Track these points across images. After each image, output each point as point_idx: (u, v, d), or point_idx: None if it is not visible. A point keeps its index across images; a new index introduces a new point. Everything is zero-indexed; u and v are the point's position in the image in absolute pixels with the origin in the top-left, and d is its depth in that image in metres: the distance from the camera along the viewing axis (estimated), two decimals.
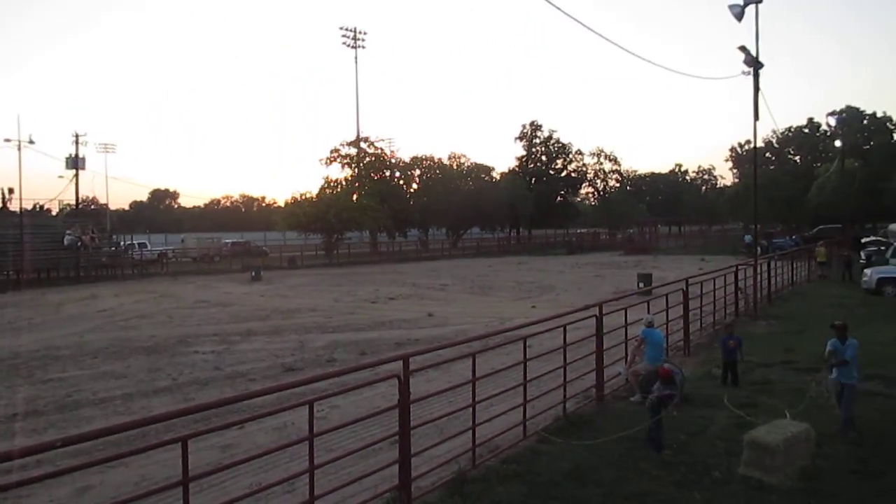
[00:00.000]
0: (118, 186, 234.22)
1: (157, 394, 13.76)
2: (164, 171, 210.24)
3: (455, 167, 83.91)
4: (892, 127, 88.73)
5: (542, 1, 11.39)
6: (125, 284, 41.23)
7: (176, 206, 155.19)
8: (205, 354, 17.83)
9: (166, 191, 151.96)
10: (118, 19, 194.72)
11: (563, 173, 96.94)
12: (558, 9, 11.97)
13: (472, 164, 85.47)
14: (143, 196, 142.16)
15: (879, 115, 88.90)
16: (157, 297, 32.93)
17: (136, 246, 59.68)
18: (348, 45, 69.82)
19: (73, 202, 57.30)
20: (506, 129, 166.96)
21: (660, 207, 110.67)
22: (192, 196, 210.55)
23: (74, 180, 56.72)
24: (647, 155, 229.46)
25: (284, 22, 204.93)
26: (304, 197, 67.49)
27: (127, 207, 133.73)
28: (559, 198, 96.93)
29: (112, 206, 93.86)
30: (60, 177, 57.96)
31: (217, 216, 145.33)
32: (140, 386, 14.44)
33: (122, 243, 57.61)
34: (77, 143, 57.44)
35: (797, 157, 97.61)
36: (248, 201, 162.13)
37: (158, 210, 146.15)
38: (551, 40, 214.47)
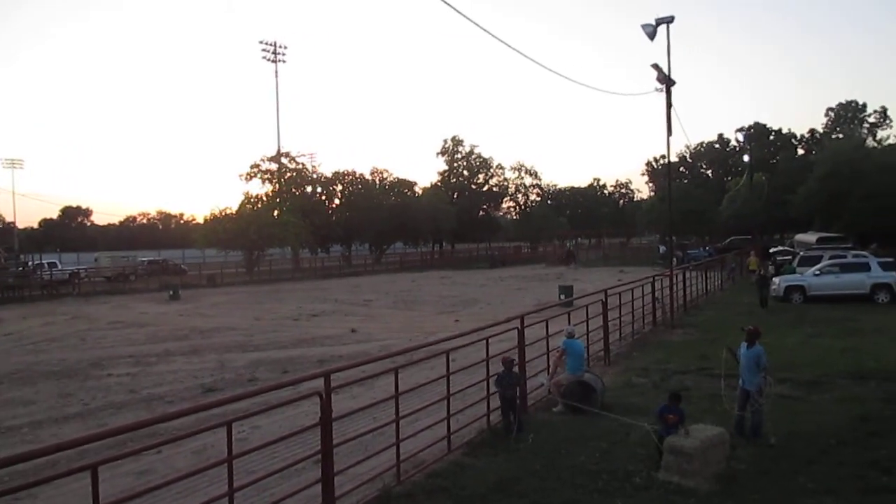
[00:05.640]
0: (26, 203, 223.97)
1: (67, 420, 13.17)
2: (76, 187, 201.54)
3: (377, 182, 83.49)
4: (796, 143, 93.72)
5: (463, 18, 11.54)
6: (34, 306, 39.27)
7: (89, 223, 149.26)
8: (119, 377, 17.16)
9: (78, 208, 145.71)
10: (25, 28, 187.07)
11: (485, 188, 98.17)
12: (477, 25, 12.17)
13: (394, 178, 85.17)
14: (54, 213, 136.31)
15: (784, 131, 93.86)
16: (69, 319, 31.57)
17: (46, 265, 57.04)
18: (268, 59, 69.12)
19: None
20: (428, 144, 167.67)
21: (579, 221, 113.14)
22: (107, 213, 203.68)
23: None
24: (566, 169, 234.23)
25: (203, 35, 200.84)
26: (223, 213, 65.80)
27: (36, 226, 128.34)
28: (481, 212, 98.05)
29: (20, 225, 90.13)
30: None
31: (133, 234, 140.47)
32: (49, 412, 13.79)
33: (30, 263, 55.12)
34: None
35: (709, 171, 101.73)
36: (166, 218, 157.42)
37: (70, 228, 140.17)
38: (472, 56, 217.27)
